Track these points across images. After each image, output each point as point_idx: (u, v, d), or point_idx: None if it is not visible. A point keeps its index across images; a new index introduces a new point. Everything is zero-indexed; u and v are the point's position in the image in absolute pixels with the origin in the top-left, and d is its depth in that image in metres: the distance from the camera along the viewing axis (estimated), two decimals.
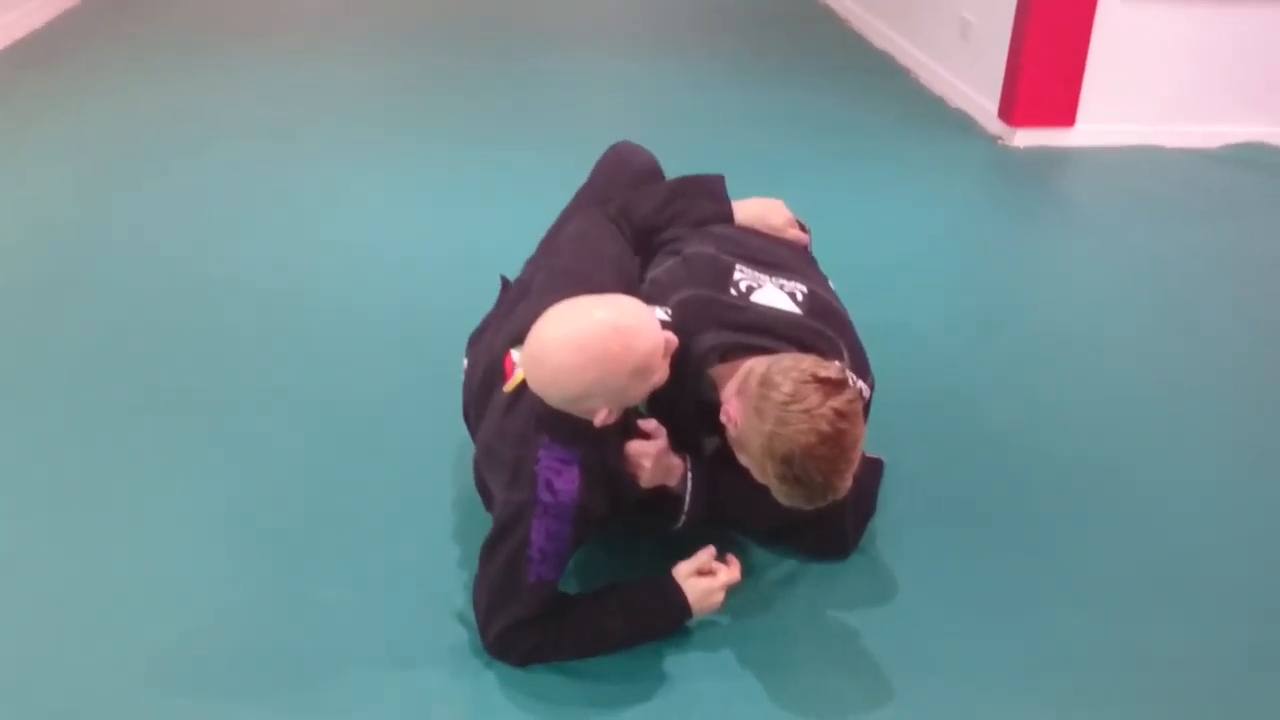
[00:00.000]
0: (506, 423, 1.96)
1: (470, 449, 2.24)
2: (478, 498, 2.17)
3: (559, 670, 1.98)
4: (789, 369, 1.86)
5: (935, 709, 1.95)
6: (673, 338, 1.91)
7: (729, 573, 2.03)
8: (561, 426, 1.90)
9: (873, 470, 2.34)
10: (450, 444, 2.54)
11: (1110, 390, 2.95)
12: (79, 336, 3.03)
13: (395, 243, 3.64)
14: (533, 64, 5.54)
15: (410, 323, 3.13)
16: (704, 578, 2.01)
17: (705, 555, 2.03)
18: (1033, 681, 2.02)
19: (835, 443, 1.82)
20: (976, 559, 2.32)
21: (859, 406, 1.88)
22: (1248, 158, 4.69)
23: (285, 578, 2.20)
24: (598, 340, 1.80)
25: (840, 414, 1.82)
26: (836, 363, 1.98)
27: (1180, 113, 4.76)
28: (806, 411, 1.80)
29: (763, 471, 1.89)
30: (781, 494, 1.89)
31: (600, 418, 1.87)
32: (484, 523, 2.02)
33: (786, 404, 1.81)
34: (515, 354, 1.99)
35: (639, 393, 1.90)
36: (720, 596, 2.02)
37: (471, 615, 2.02)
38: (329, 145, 4.44)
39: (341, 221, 3.79)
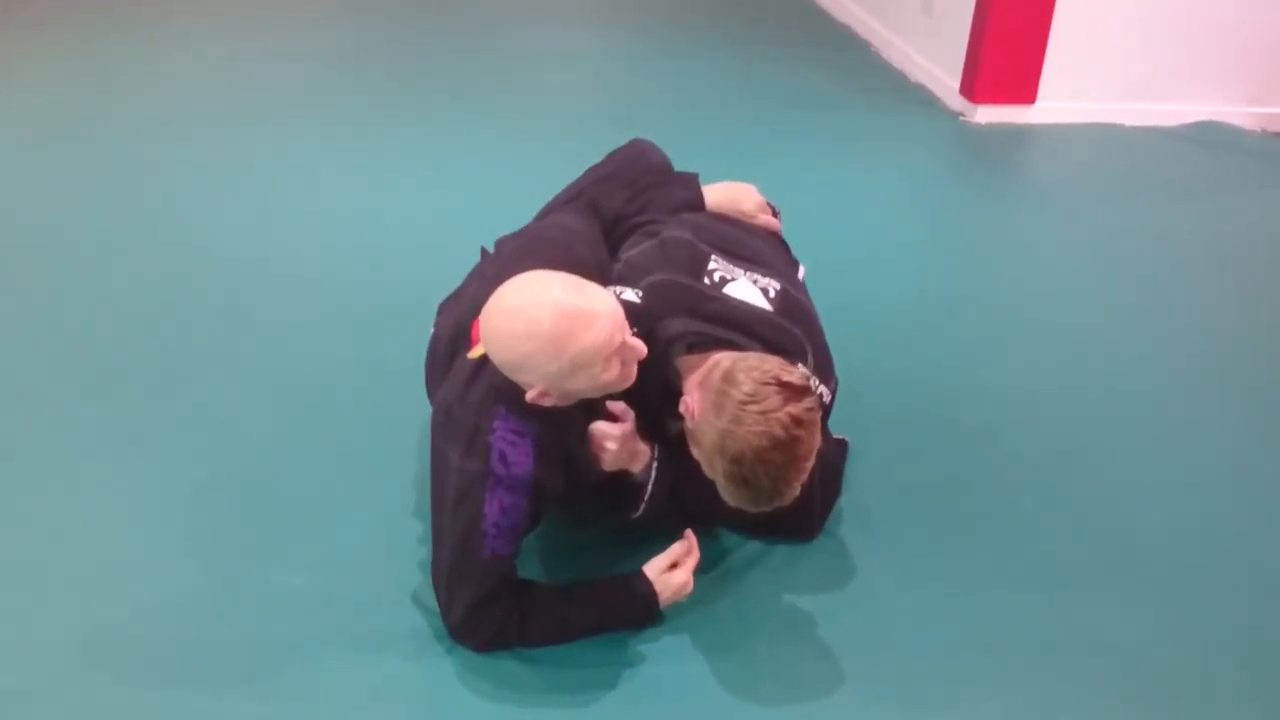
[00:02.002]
0: (469, 391, 1.92)
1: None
2: None
3: (520, 656, 1.95)
4: (753, 368, 1.83)
5: (898, 690, 1.94)
6: (639, 345, 1.85)
7: (694, 558, 2.01)
8: (518, 400, 1.86)
9: (838, 451, 2.33)
10: (413, 423, 2.49)
11: (1071, 371, 2.96)
12: (32, 315, 2.95)
13: (354, 218, 3.57)
14: (495, 36, 5.46)
15: (370, 301, 3.07)
16: (675, 571, 1.99)
17: (677, 549, 2.01)
18: (992, 664, 2.01)
19: (788, 448, 1.80)
20: (940, 542, 2.31)
21: (817, 416, 1.86)
22: (1205, 136, 4.73)
23: (242, 560, 2.15)
24: (542, 316, 1.75)
25: (797, 420, 1.80)
26: (802, 369, 1.96)
27: (1139, 91, 4.78)
28: (763, 413, 1.78)
29: (711, 468, 1.87)
30: (727, 493, 1.87)
31: (531, 394, 1.82)
32: None
33: (745, 403, 1.79)
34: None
35: (582, 386, 1.83)
36: (690, 588, 2.00)
37: (432, 600, 1.99)
38: (285, 118, 4.35)
39: (298, 195, 3.71)
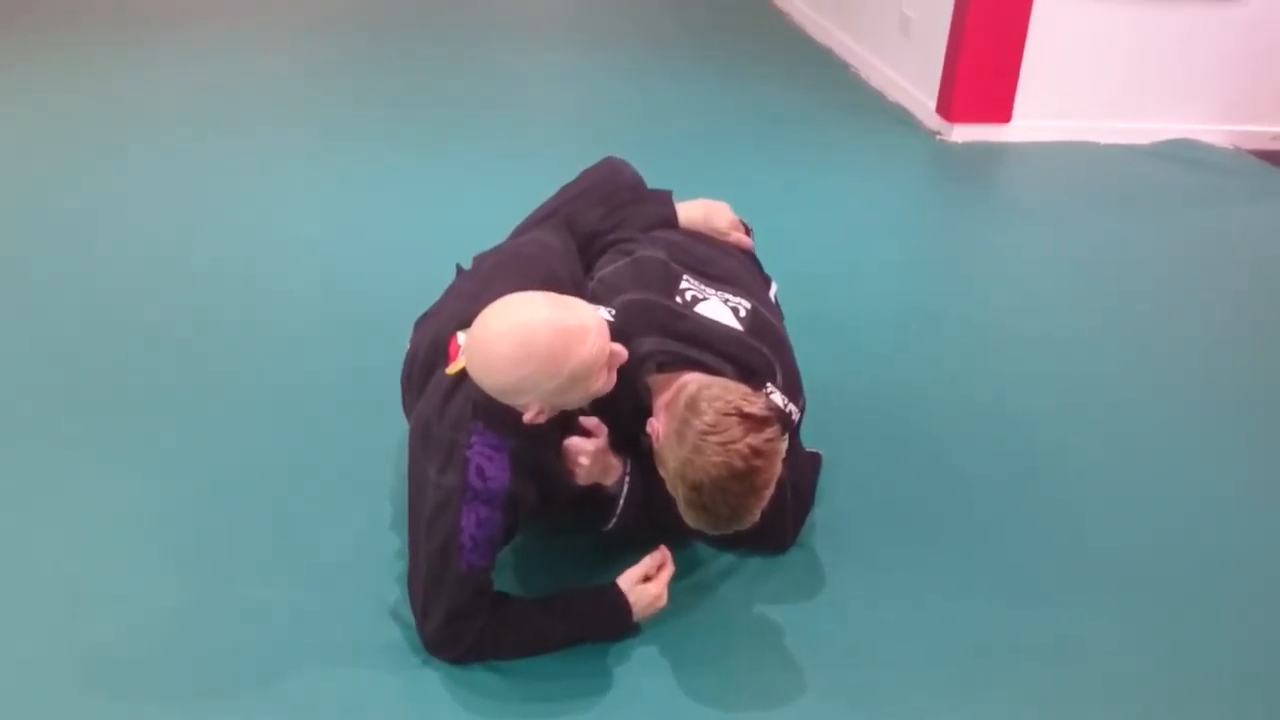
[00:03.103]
0: (447, 406, 1.95)
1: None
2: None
3: (497, 668, 1.96)
4: (716, 398, 1.87)
5: (871, 700, 1.96)
6: (621, 350, 1.89)
7: (667, 570, 2.03)
8: (496, 416, 1.89)
9: (811, 464, 2.35)
10: (390, 438, 2.51)
11: (1046, 384, 2.99)
12: (8, 331, 2.96)
13: (332, 234, 3.59)
14: (472, 54, 5.50)
15: (346, 316, 3.10)
16: (648, 583, 2.01)
17: (650, 561, 2.03)
18: (964, 673, 2.04)
19: (746, 479, 1.84)
20: (913, 553, 2.33)
21: (778, 446, 1.89)
22: (1177, 154, 4.79)
23: (219, 574, 2.16)
24: (540, 338, 1.79)
25: (756, 451, 1.83)
26: (767, 397, 1.99)
27: (1113, 109, 4.85)
28: (723, 444, 1.82)
29: (674, 490, 1.91)
30: (688, 516, 1.91)
31: (529, 415, 1.86)
32: None
33: (705, 433, 1.83)
34: (461, 337, 1.98)
35: (575, 398, 1.88)
36: (665, 600, 2.02)
37: (408, 612, 2.00)
38: (266, 135, 4.38)
39: (277, 212, 3.73)
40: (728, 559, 2.26)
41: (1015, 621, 2.16)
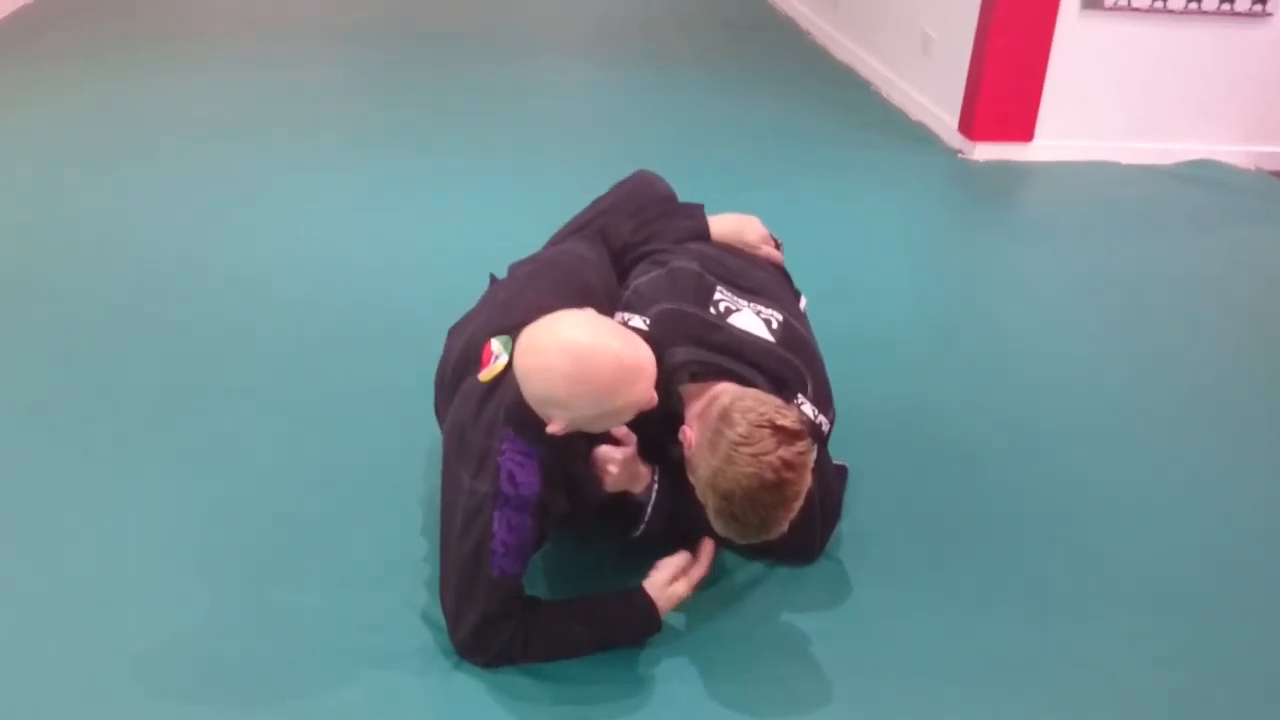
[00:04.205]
0: (481, 412, 1.98)
1: (438, 445, 2.24)
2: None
3: (527, 671, 1.99)
4: (749, 409, 1.89)
5: (891, 712, 1.98)
6: (653, 397, 1.90)
7: (697, 570, 2.05)
8: (526, 424, 1.92)
9: (838, 477, 2.37)
10: (418, 444, 2.54)
11: (1065, 400, 3.00)
12: (39, 338, 3.00)
13: (361, 243, 3.63)
14: (496, 70, 5.55)
15: (376, 325, 3.13)
16: (676, 585, 2.03)
17: (676, 563, 2.05)
18: (986, 683, 2.05)
19: (777, 490, 1.87)
20: (936, 565, 2.35)
21: (809, 459, 1.92)
22: (1200, 174, 4.80)
23: (250, 579, 2.19)
24: (603, 367, 1.82)
25: (787, 464, 1.86)
26: (799, 409, 2.02)
27: (1135, 129, 4.86)
28: (755, 455, 1.85)
29: (704, 499, 1.94)
30: (717, 525, 1.94)
31: (553, 427, 1.88)
32: None
33: (738, 444, 1.86)
34: (495, 344, 2.00)
35: (598, 427, 1.94)
36: (689, 593, 2.05)
37: (439, 616, 2.03)
38: (293, 148, 4.42)
39: (305, 221, 3.78)
40: (755, 569, 2.28)
41: (1033, 634, 2.18)
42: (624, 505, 2.12)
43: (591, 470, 2.04)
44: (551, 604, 2.05)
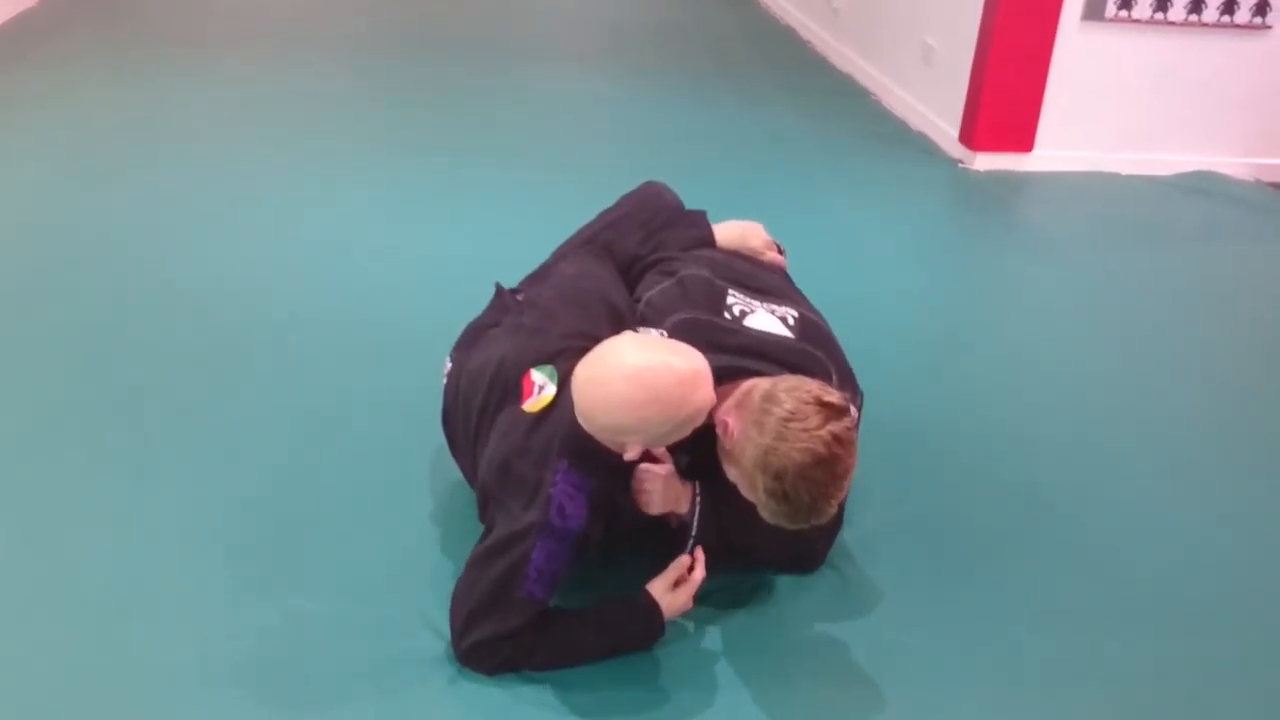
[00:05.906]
0: (529, 443, 1.99)
1: (446, 455, 2.24)
2: (451, 505, 2.17)
3: (534, 679, 1.99)
4: (794, 388, 1.90)
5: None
6: (714, 396, 1.94)
7: (698, 574, 2.05)
8: (584, 454, 1.93)
9: None
10: (425, 453, 2.54)
11: (1067, 412, 3.02)
12: (50, 341, 3.00)
13: (369, 250, 3.64)
14: (500, 79, 5.56)
15: (384, 334, 3.13)
16: (678, 590, 2.04)
17: (678, 566, 2.06)
18: (990, 695, 2.06)
19: (828, 466, 1.86)
20: (939, 575, 2.36)
21: (855, 436, 1.92)
22: (1200, 185, 4.82)
23: (259, 586, 2.19)
24: (664, 383, 1.85)
25: (837, 439, 1.86)
26: (839, 392, 2.02)
27: (1135, 140, 4.88)
28: (805, 430, 1.85)
29: (752, 485, 1.92)
30: (767, 510, 1.93)
31: (631, 453, 1.92)
32: (458, 529, 2.02)
33: (787, 420, 1.85)
34: (537, 374, 2.02)
35: (674, 439, 1.95)
36: (690, 604, 2.05)
37: (444, 623, 2.03)
38: (302, 158, 4.42)
39: (315, 228, 3.78)
40: (758, 579, 2.29)
41: (1038, 645, 2.19)
42: (662, 527, 2.13)
43: (632, 496, 2.06)
44: (555, 613, 2.05)
